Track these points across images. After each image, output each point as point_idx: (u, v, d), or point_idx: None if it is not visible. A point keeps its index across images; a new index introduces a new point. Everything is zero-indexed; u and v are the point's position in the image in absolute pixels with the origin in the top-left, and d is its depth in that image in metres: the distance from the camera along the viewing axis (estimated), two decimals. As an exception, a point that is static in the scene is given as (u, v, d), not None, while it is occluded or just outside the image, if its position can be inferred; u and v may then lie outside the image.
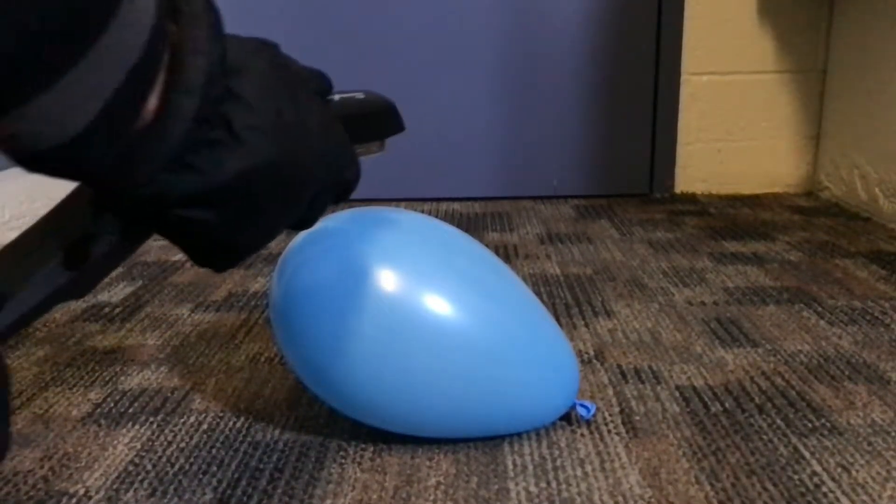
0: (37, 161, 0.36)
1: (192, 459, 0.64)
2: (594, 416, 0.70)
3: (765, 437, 0.66)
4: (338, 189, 0.50)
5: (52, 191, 1.56)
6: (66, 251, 0.44)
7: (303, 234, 0.67)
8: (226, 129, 0.40)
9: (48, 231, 0.48)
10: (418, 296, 0.62)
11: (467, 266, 0.66)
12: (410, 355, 0.61)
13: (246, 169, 0.40)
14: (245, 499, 0.58)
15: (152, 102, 0.37)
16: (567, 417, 0.69)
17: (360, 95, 0.55)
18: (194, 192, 0.39)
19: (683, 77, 1.58)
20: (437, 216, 1.49)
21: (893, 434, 0.66)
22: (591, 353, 0.84)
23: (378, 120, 0.57)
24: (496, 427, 0.66)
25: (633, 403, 0.72)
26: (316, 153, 0.45)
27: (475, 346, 0.62)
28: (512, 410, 0.65)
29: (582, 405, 0.69)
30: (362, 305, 0.61)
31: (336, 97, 0.52)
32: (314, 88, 0.47)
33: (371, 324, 0.61)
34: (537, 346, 0.66)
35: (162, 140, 0.37)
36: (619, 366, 0.81)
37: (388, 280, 0.61)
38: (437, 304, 0.62)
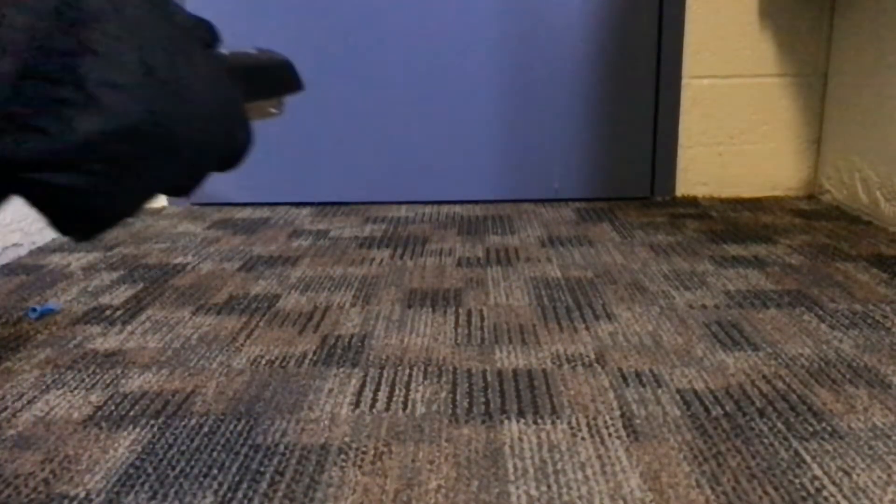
0: None
1: (192, 462, 0.64)
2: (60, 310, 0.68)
3: (766, 440, 0.66)
4: (224, 152, 0.45)
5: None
6: None
7: None
8: (75, 86, 0.36)
9: None
10: None
11: None
12: None
13: (102, 130, 0.37)
14: (246, 502, 0.58)
15: None
16: None
17: (252, 51, 0.50)
18: (43, 155, 0.36)
19: (684, 81, 1.58)
20: (438, 219, 1.50)
21: (894, 438, 0.66)
22: (592, 356, 0.84)
23: (273, 76, 0.51)
24: None
25: (634, 407, 0.72)
26: (197, 113, 0.41)
27: None
28: None
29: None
30: None
31: (225, 52, 0.47)
32: (198, 38, 0.43)
33: None
34: None
35: None
36: (619, 369, 0.81)
37: None
38: None
